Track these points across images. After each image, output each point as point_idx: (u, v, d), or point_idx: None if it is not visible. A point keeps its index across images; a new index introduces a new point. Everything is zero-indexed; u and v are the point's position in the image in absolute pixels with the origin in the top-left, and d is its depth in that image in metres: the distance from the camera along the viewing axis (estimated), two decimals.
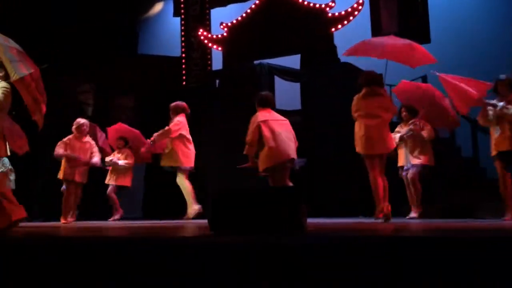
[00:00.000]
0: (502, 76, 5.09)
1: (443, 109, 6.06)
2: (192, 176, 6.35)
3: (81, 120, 6.93)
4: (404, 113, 6.34)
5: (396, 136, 6.17)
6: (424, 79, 8.28)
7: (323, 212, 6.91)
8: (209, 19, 11.12)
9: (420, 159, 6.09)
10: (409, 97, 6.17)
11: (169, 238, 2.86)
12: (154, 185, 9.47)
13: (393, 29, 9.28)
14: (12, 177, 8.01)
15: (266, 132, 4.96)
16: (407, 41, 5.35)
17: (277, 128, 5.03)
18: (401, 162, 6.23)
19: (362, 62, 8.70)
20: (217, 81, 10.16)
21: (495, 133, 5.04)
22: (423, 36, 8.97)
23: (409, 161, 6.15)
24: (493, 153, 5.08)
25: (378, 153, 4.81)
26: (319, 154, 8.18)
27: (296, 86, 9.15)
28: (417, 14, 9.07)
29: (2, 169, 7.85)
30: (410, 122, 6.22)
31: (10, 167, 7.94)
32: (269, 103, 5.23)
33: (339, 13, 9.31)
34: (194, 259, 2.21)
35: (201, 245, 2.39)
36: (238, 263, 2.12)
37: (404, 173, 6.18)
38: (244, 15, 10.31)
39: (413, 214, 6.00)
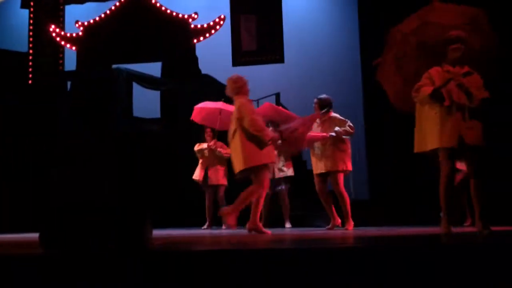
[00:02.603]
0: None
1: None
2: None
3: None
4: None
5: None
6: (278, 96, 8.85)
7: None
8: (63, 16, 10.35)
9: (284, 171, 6.42)
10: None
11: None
12: None
13: (252, 47, 9.75)
14: None
15: None
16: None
17: None
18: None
19: (222, 75, 8.97)
20: (69, 82, 9.49)
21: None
22: (278, 56, 9.59)
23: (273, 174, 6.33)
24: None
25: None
26: (180, 164, 8.15)
27: (156, 94, 9.01)
28: (273, 36, 9.66)
29: None
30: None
31: None
32: None
33: (202, 25, 9.45)
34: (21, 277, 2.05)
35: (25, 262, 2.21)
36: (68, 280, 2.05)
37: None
38: (102, 15, 9.84)
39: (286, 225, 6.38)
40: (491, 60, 3.88)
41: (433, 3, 4.02)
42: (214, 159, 6.75)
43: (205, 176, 6.76)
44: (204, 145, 6.83)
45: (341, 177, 5.25)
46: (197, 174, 6.80)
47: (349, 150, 5.34)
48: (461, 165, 4.66)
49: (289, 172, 6.44)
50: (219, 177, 6.78)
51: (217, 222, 6.57)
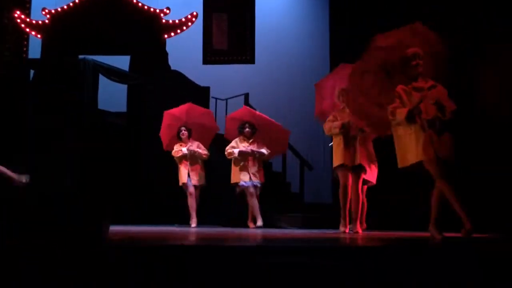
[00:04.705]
0: None
1: (275, 130, 6.81)
2: None
3: None
4: (247, 129, 6.57)
5: (235, 151, 6.42)
6: (247, 96, 8.84)
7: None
8: (29, 2, 10.03)
9: (257, 177, 6.42)
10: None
11: None
12: None
13: (223, 46, 9.70)
14: None
15: None
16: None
17: None
18: (236, 178, 6.44)
19: (191, 73, 8.91)
20: (33, 72, 9.19)
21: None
22: (249, 57, 9.57)
23: (248, 177, 6.37)
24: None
25: None
26: (142, 158, 8.02)
27: (123, 87, 8.84)
28: (245, 36, 9.64)
29: None
30: (252, 140, 6.54)
31: None
32: None
33: (173, 21, 9.34)
34: None
35: None
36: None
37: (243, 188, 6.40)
38: (71, 4, 9.57)
39: (259, 223, 6.27)
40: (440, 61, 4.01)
41: (415, 24, 4.07)
42: (194, 160, 6.69)
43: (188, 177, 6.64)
44: (183, 149, 6.66)
45: None
46: (184, 177, 6.64)
47: None
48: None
49: (260, 177, 6.50)
50: (200, 177, 6.70)
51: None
